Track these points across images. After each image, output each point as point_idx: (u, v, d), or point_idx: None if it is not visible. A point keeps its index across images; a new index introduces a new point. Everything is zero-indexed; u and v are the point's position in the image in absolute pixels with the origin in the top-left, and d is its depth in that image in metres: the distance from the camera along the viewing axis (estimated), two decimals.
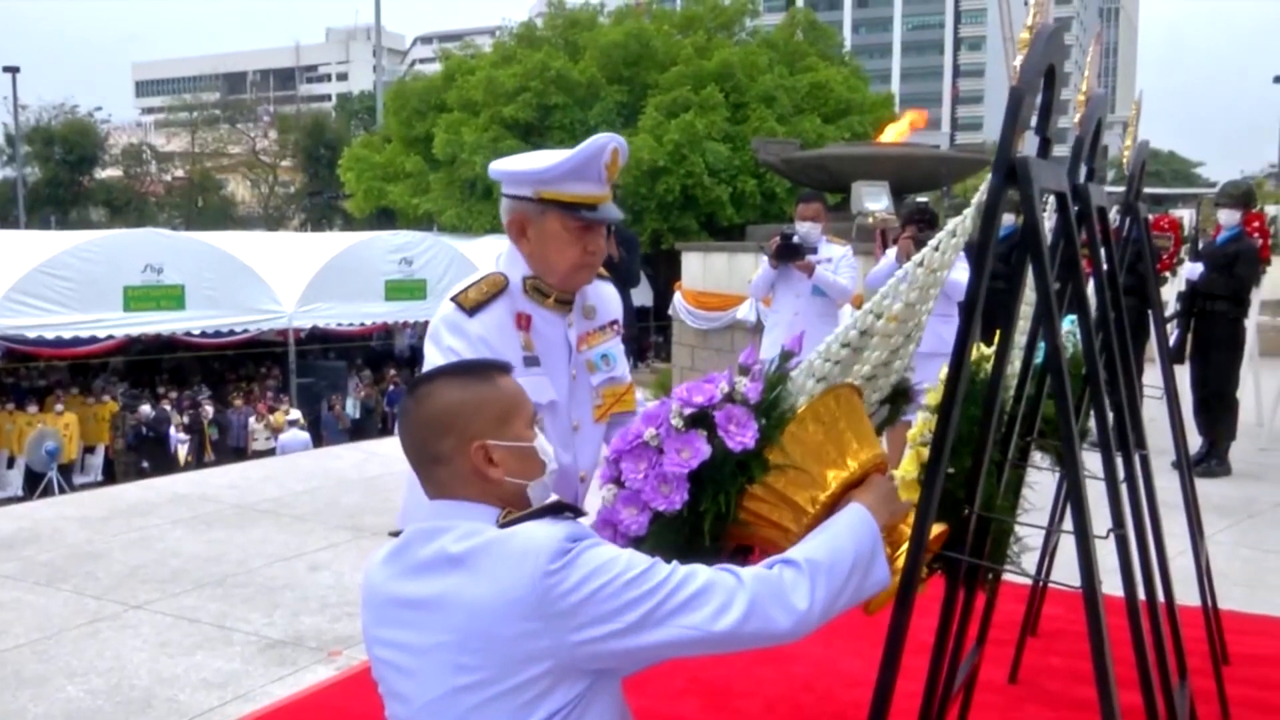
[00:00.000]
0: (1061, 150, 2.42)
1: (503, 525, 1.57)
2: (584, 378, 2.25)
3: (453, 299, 2.17)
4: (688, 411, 1.70)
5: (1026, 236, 1.84)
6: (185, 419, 17.75)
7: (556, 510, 1.59)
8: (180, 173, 48.38)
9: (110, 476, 16.32)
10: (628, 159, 2.21)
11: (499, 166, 2.21)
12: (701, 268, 14.44)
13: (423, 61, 72.98)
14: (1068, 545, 2.16)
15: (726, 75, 25.83)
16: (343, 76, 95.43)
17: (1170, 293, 8.00)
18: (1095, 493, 2.08)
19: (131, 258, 16.78)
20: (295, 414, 17.00)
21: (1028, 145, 2.10)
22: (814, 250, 6.37)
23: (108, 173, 46.20)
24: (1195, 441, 6.98)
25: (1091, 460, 2.13)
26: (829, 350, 1.76)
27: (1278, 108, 49.73)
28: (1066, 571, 2.15)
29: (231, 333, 18.13)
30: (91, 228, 35.72)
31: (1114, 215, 3.52)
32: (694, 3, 30.32)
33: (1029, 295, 2.35)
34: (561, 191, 2.12)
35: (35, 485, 15.49)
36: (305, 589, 4.69)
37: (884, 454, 1.82)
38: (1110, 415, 2.26)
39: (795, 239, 6.34)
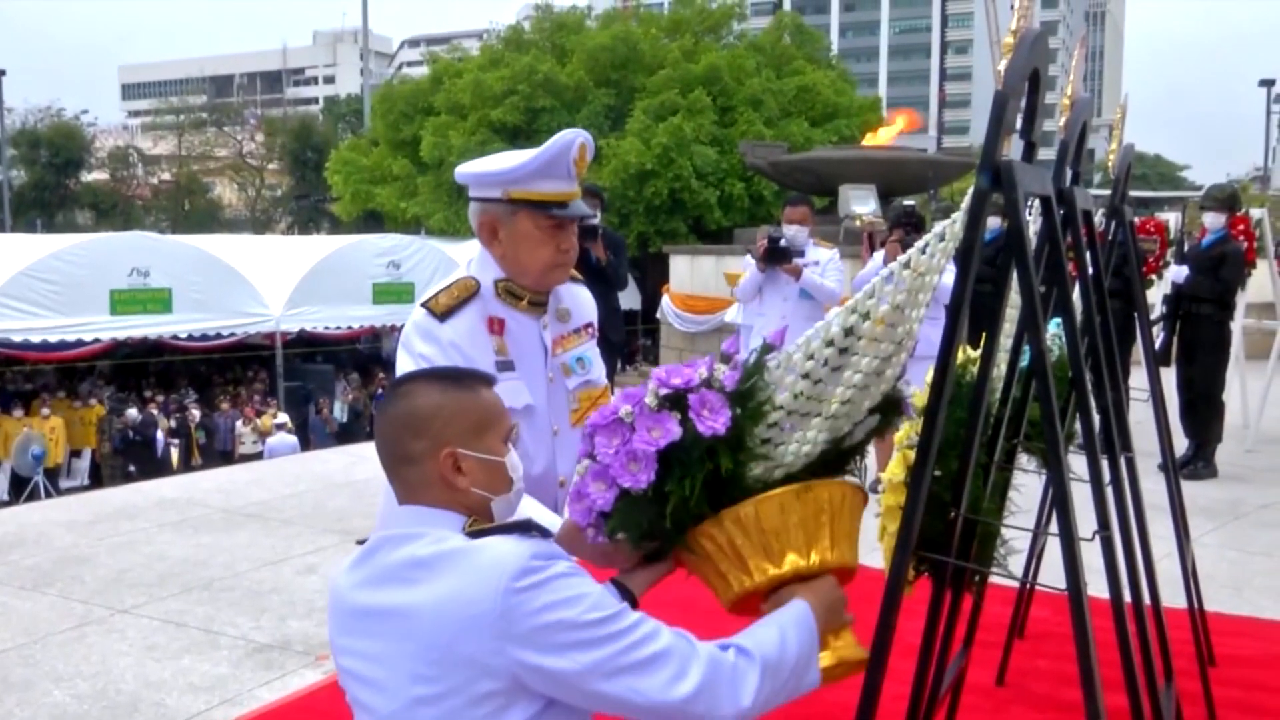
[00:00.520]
0: (1048, 154, 2.43)
1: (470, 534, 1.56)
2: (560, 381, 2.24)
3: (423, 304, 2.15)
4: (663, 392, 1.71)
5: (1011, 240, 1.85)
6: (172, 423, 17.68)
7: (525, 528, 1.58)
8: (167, 176, 48.20)
9: (97, 480, 16.25)
10: (605, 151, 2.20)
11: (466, 170, 2.20)
12: (689, 271, 14.46)
13: (410, 65, 72.93)
14: (1055, 548, 2.17)
15: (714, 79, 25.88)
16: (330, 79, 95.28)
17: (1156, 296, 8.03)
18: (1082, 495, 2.09)
19: (118, 261, 16.73)
20: (283, 417, 16.95)
21: (1013, 149, 2.11)
22: (801, 253, 6.39)
23: (94, 176, 46.02)
24: (1182, 444, 7.01)
25: (1078, 462, 2.14)
26: (810, 345, 1.75)
27: (1263, 111, 50.05)
28: (1054, 574, 2.15)
29: (219, 336, 18.08)
30: (78, 231, 35.54)
31: (1099, 218, 3.53)
32: (681, 6, 30.35)
33: (1015, 298, 2.36)
34: (531, 190, 2.11)
35: (21, 489, 15.41)
36: (292, 593, 4.67)
37: (854, 566, 1.80)
38: (1096, 418, 2.27)
39: (782, 242, 6.35)
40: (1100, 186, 20.45)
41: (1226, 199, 7.40)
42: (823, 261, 6.45)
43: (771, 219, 20.92)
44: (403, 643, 1.49)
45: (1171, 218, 9.94)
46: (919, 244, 1.81)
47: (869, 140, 16.25)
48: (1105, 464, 2.31)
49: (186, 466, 15.97)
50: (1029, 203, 1.94)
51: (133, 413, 17.36)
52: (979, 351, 2.24)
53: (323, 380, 20.62)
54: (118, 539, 5.52)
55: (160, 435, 17.15)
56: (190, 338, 17.78)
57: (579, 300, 2.35)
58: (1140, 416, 5.03)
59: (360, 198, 29.38)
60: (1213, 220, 7.28)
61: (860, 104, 29.34)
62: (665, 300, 15.19)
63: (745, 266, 9.14)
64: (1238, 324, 7.73)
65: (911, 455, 2.14)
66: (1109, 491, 2.20)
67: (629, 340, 22.15)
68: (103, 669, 3.85)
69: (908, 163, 14.90)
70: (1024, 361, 2.45)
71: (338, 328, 19.55)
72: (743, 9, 31.60)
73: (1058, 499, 1.85)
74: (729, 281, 12.94)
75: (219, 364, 20.78)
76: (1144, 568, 2.61)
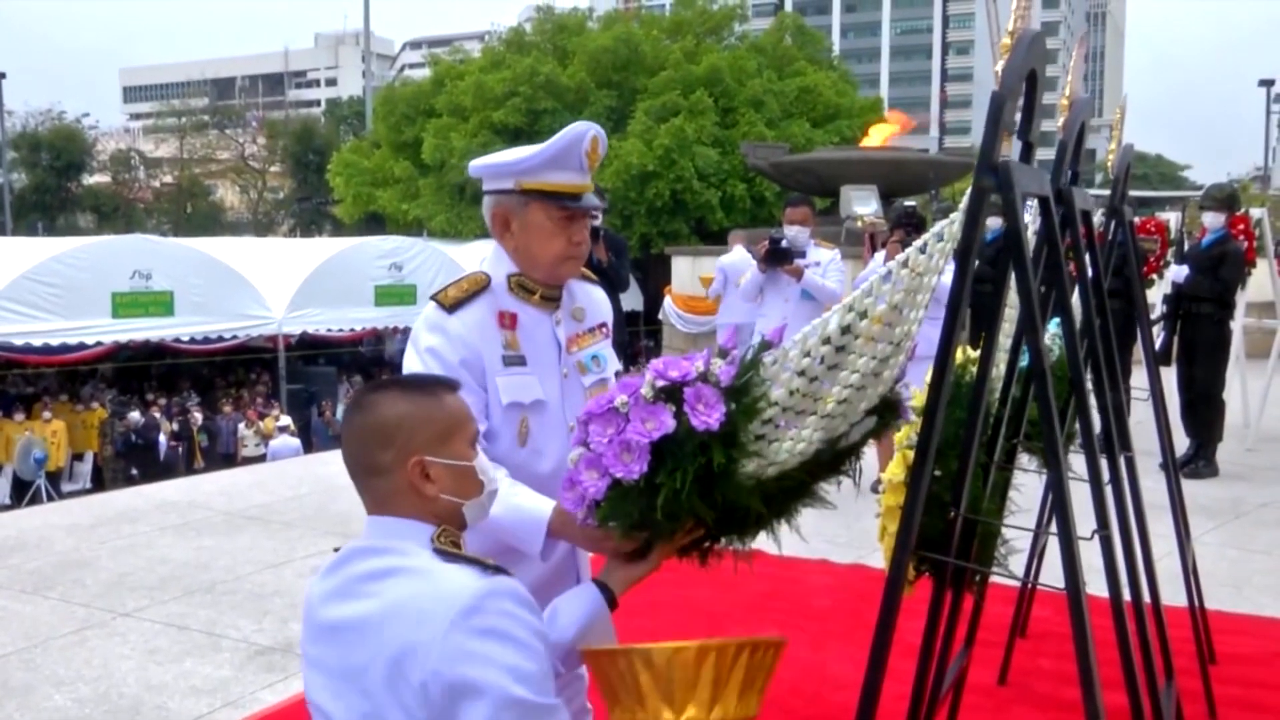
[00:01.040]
0: (1050, 154, 2.43)
1: (437, 551, 1.56)
2: (576, 378, 2.24)
3: (433, 297, 2.16)
4: (660, 384, 1.72)
5: (1009, 241, 1.85)
6: (174, 426, 17.69)
7: (490, 566, 1.55)
8: (169, 178, 48.25)
9: (99, 484, 16.26)
10: (607, 152, 2.20)
11: (479, 163, 2.21)
12: (691, 272, 14.46)
13: (412, 67, 72.94)
14: (1056, 547, 2.17)
15: (715, 80, 25.88)
16: (332, 82, 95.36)
17: (1157, 295, 8.04)
18: (1083, 494, 2.09)
19: (120, 264, 16.74)
20: (285, 420, 16.96)
21: (1014, 150, 2.11)
22: (802, 254, 6.39)
23: (95, 179, 46.07)
24: (1183, 443, 7.01)
25: (1080, 462, 2.14)
26: (806, 343, 1.76)
27: (1263, 111, 50.02)
28: (1055, 573, 2.16)
29: (221, 339, 18.09)
30: (79, 234, 35.57)
31: (1099, 219, 3.54)
32: (682, 7, 30.36)
33: (1014, 298, 2.36)
34: (543, 181, 2.11)
35: (23, 493, 15.42)
36: (294, 595, 4.68)
37: (754, 715, 1.77)
38: (1096, 418, 2.28)
39: (784, 243, 6.35)
40: (1101, 186, 20.45)
41: (1226, 199, 7.40)
42: (824, 262, 6.46)
43: (773, 220, 20.95)
44: (355, 656, 1.49)
45: (1172, 217, 9.94)
46: (917, 244, 1.82)
47: (865, 142, 16.27)
48: (1105, 463, 2.31)
49: (189, 469, 15.97)
50: (1026, 203, 1.94)
51: (135, 416, 17.38)
52: (979, 352, 2.24)
53: (325, 382, 20.63)
54: (119, 542, 5.52)
55: (162, 438, 17.16)
56: (192, 340, 17.80)
57: (593, 300, 2.35)
58: (1141, 416, 5.04)
59: (362, 200, 29.39)
60: (1212, 220, 7.28)
61: (862, 105, 29.33)
62: (667, 301, 15.19)
63: (719, 271, 9.23)
64: (1238, 323, 7.72)
65: (911, 455, 2.15)
66: (1109, 491, 2.20)
67: (631, 342, 22.17)
68: (104, 673, 3.85)
69: (909, 163, 14.90)
70: (1024, 361, 2.46)
71: (340, 330, 19.56)
72: (744, 10, 31.62)
73: (1056, 499, 1.85)
74: (703, 284, 13.01)
75: (221, 367, 20.80)
76: (1144, 567, 2.62)
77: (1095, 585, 2.09)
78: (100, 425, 17.42)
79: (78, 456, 17.29)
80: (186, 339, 17.71)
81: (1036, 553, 3.63)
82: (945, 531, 2.15)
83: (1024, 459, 2.84)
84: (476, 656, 1.42)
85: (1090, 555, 2.05)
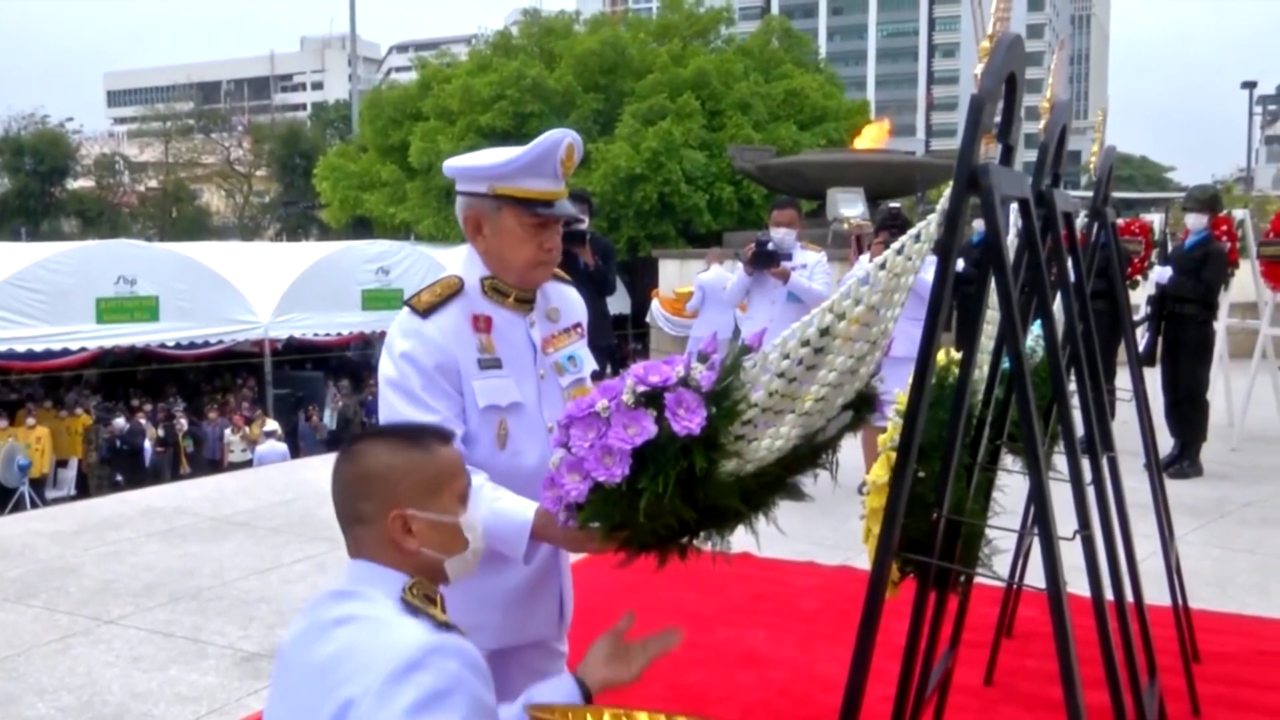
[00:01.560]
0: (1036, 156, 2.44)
1: (405, 603, 1.53)
2: (553, 379, 2.24)
3: (406, 302, 2.16)
4: (640, 390, 1.72)
5: (988, 244, 1.86)
6: (160, 431, 17.61)
7: (440, 621, 1.53)
8: (154, 183, 48.07)
9: (83, 490, 16.17)
10: (595, 156, 2.21)
11: (454, 164, 2.20)
12: (679, 275, 14.47)
13: (398, 70, 72.90)
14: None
15: (702, 83, 25.93)
16: (318, 86, 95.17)
17: (1141, 296, 8.08)
18: (1067, 495, 2.10)
19: (104, 269, 16.66)
20: (272, 425, 16.89)
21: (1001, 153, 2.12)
22: (789, 257, 6.40)
23: (79, 183, 45.86)
24: (1167, 443, 7.05)
25: (1064, 463, 2.15)
26: (786, 345, 1.77)
27: (1247, 113, 50.36)
28: (1040, 574, 2.16)
29: (206, 344, 18.01)
30: (63, 239, 35.40)
31: (1083, 220, 3.55)
32: (669, 11, 30.41)
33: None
34: (517, 187, 2.11)
35: (6, 500, 15.32)
36: (281, 601, 4.66)
37: None
38: (1078, 419, 2.29)
39: (770, 246, 6.36)
40: (1086, 188, 20.53)
41: (1208, 200, 7.44)
42: (810, 264, 6.46)
43: (761, 223, 21.00)
44: (307, 699, 1.47)
45: (1156, 219, 10.00)
46: (894, 246, 1.83)
47: (858, 143, 16.32)
48: (1088, 465, 2.33)
49: (174, 475, 15.90)
50: (1007, 206, 1.95)
51: (120, 422, 17.29)
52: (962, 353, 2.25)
53: (312, 387, 20.56)
54: (104, 549, 5.50)
55: (148, 444, 17.08)
56: (178, 346, 17.71)
57: (568, 300, 2.36)
58: (1126, 416, 5.06)
59: (349, 204, 29.35)
60: (1195, 221, 7.32)
61: (848, 107, 29.43)
62: (655, 304, 15.21)
63: (697, 288, 9.28)
64: (1221, 324, 7.77)
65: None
66: (1091, 491, 2.21)
67: (619, 345, 22.16)
68: (88, 681, 3.83)
69: (896, 165, 14.97)
70: (1006, 362, 2.47)
71: (327, 334, 19.50)
72: (730, 13, 31.71)
73: (1037, 499, 1.86)
74: (680, 299, 13.17)
75: (207, 372, 20.71)
76: (1127, 566, 2.63)
77: (1081, 585, 2.10)
78: (85, 431, 17.32)
79: (62, 463, 17.18)
80: (172, 344, 17.63)
81: (1021, 553, 3.64)
82: (929, 533, 2.16)
83: (1008, 460, 2.85)
84: (408, 714, 1.37)
85: (1075, 555, 2.06)
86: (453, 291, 2.15)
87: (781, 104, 27.20)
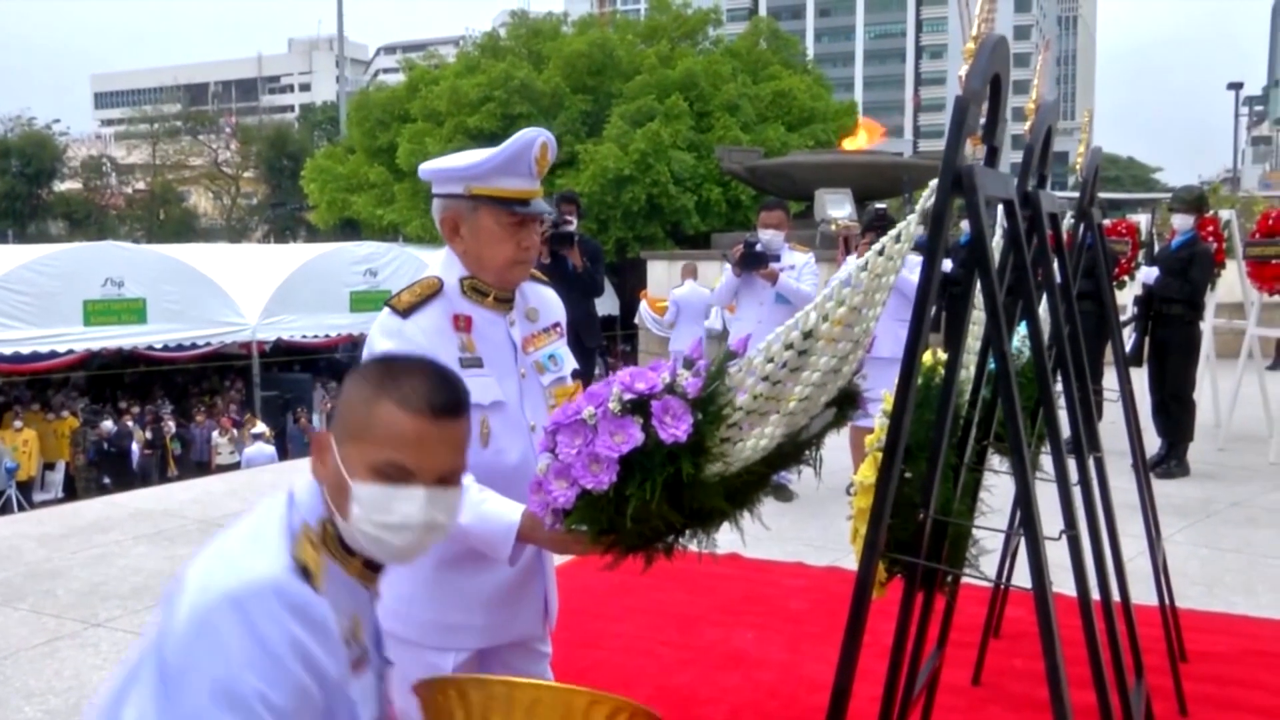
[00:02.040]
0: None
1: (292, 525, 1.48)
2: (534, 378, 2.25)
3: (386, 303, 2.18)
4: (627, 397, 1.72)
5: (972, 245, 1.87)
6: (148, 434, 17.55)
7: (302, 565, 1.43)
8: (141, 185, 47.91)
9: (71, 493, 16.10)
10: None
11: (429, 166, 2.22)
12: (667, 276, 14.48)
13: (386, 71, 72.73)
14: None
15: (690, 84, 25.96)
16: (305, 87, 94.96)
17: (1128, 297, 8.11)
18: (1054, 495, 2.11)
19: (91, 271, 16.59)
20: (260, 427, 16.85)
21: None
22: (777, 258, 6.40)
23: (66, 185, 45.68)
24: (1154, 443, 7.07)
25: (1049, 463, 2.16)
26: (770, 349, 1.77)
27: (1233, 114, 50.65)
28: (1028, 574, 2.17)
29: (194, 346, 17.96)
30: (50, 241, 35.26)
31: (1069, 221, 3.57)
32: (657, 12, 30.44)
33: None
34: (493, 187, 2.13)
35: None
36: None
37: None
38: (1064, 419, 2.30)
39: (758, 247, 6.37)
40: (1073, 189, 20.63)
41: (1194, 201, 7.48)
42: (798, 265, 6.47)
43: (749, 224, 21.05)
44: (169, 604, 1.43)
45: (1143, 219, 10.03)
46: (876, 247, 1.84)
47: (851, 142, 16.37)
48: (1073, 464, 2.33)
49: (162, 478, 15.84)
50: (991, 207, 1.96)
51: (108, 424, 17.21)
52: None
53: (300, 389, 20.51)
54: (91, 552, 5.47)
55: (135, 447, 17.01)
56: (165, 348, 17.65)
57: (546, 300, 2.37)
58: (1113, 416, 5.08)
59: (337, 206, 29.29)
60: (1181, 222, 7.35)
61: (836, 108, 29.51)
62: (643, 305, 15.20)
63: (672, 303, 9.31)
64: (1208, 324, 7.80)
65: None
66: (1077, 491, 2.22)
67: (608, 346, 22.16)
68: (76, 684, 3.82)
69: (883, 166, 15.01)
70: (993, 363, 2.47)
71: (315, 336, 19.46)
72: (718, 15, 31.75)
73: (1021, 499, 1.87)
74: (657, 312, 13.39)
75: (195, 374, 20.64)
76: (1113, 566, 2.64)
77: (1069, 584, 2.11)
78: (72, 434, 17.24)
79: (49, 466, 17.11)
80: (160, 346, 17.57)
81: (1008, 553, 3.65)
82: (916, 533, 2.17)
83: (994, 460, 2.86)
84: (196, 654, 1.33)
85: (1064, 555, 2.07)
86: (432, 292, 2.16)
87: (769, 105, 27.26)
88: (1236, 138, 51.92)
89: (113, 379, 19.93)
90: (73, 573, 5.11)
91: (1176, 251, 7.32)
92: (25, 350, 15.97)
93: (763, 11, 74.22)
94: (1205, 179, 44.97)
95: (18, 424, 16.54)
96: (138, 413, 18.41)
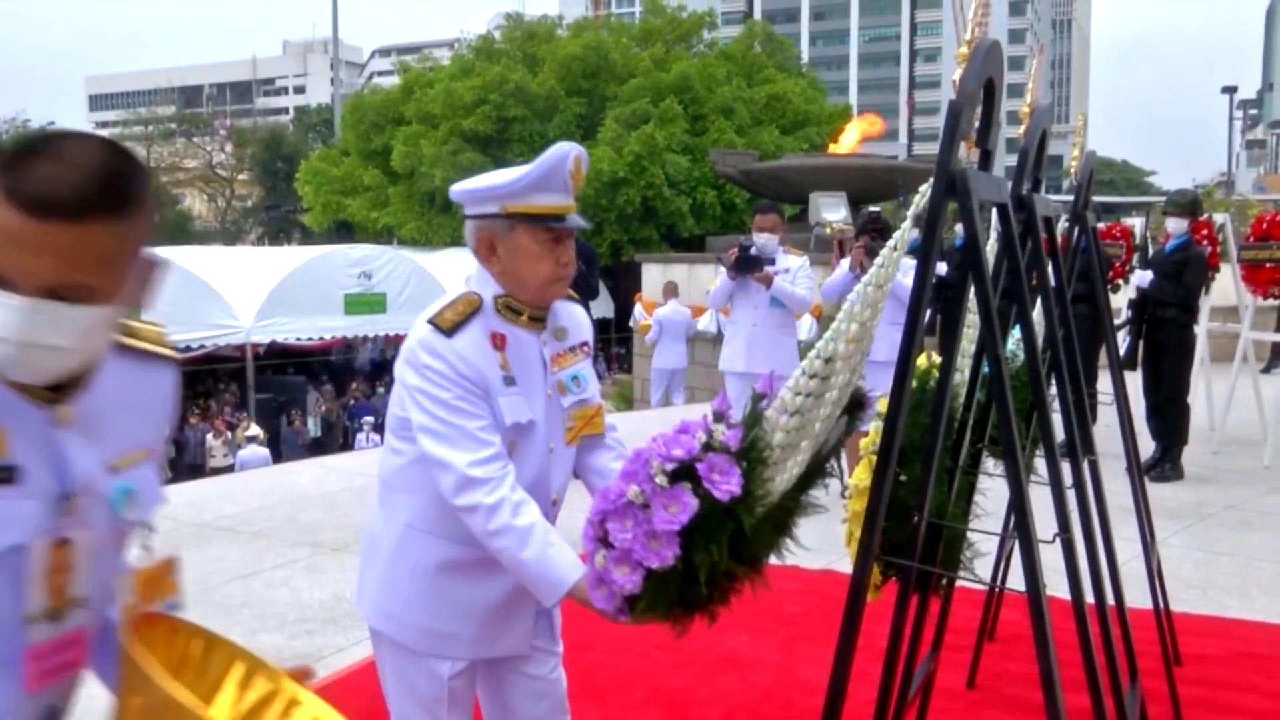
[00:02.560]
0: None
1: None
2: (556, 398, 2.22)
3: (429, 321, 2.12)
4: (669, 467, 1.69)
5: (967, 249, 1.87)
6: None
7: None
8: None
9: None
10: (588, 169, 2.21)
11: (461, 187, 2.18)
12: (662, 279, 14.49)
13: (381, 74, 72.77)
14: None
15: (685, 87, 26.01)
16: (300, 89, 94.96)
17: (1122, 300, 8.12)
18: (1048, 498, 2.11)
19: None
20: (254, 430, 16.82)
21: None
22: (771, 261, 6.40)
23: None
24: (1149, 447, 7.08)
25: (1044, 466, 2.16)
26: (798, 384, 1.77)
27: (1227, 118, 50.83)
28: (1023, 577, 2.17)
29: (188, 349, 17.92)
30: None
31: (1064, 225, 3.57)
32: (652, 15, 30.47)
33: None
34: (529, 204, 2.10)
35: None
36: (263, 606, 4.64)
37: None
38: (1058, 423, 2.30)
39: (753, 250, 6.36)
40: (1068, 192, 20.67)
41: (1188, 204, 7.49)
42: (793, 269, 6.47)
43: (744, 227, 21.08)
44: None
45: (1137, 223, 10.06)
46: (878, 259, 1.84)
47: (846, 136, 16.38)
48: (1069, 468, 2.34)
49: None
50: (985, 211, 1.96)
51: None
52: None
53: (295, 392, 20.48)
54: None
55: None
56: None
57: (575, 318, 2.32)
58: (1107, 419, 5.09)
59: (331, 208, 29.29)
60: (1175, 225, 7.36)
61: (830, 112, 29.56)
62: (638, 308, 15.23)
63: (655, 323, 9.25)
64: (1202, 328, 7.81)
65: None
66: (1071, 495, 2.22)
67: (602, 349, 22.18)
68: None
69: (878, 170, 15.04)
70: (987, 366, 2.48)
71: (309, 339, 19.44)
72: (713, 18, 31.79)
73: (1015, 502, 1.87)
74: (641, 330, 13.56)
75: (189, 377, 20.58)
76: (1107, 569, 2.64)
77: (1064, 588, 2.11)
78: None
79: None
80: None
81: (1003, 557, 3.65)
82: (911, 536, 2.17)
83: (990, 463, 2.86)
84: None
85: (1059, 558, 2.07)
86: (474, 309, 2.13)
87: (764, 108, 27.31)
88: (1231, 141, 52.14)
89: None
90: None
91: (1171, 255, 7.33)
92: None
93: (757, 15, 74.39)
94: (1200, 182, 45.12)
95: None
96: None
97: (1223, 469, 7.44)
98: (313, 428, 19.11)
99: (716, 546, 1.67)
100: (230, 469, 14.92)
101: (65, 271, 1.19)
